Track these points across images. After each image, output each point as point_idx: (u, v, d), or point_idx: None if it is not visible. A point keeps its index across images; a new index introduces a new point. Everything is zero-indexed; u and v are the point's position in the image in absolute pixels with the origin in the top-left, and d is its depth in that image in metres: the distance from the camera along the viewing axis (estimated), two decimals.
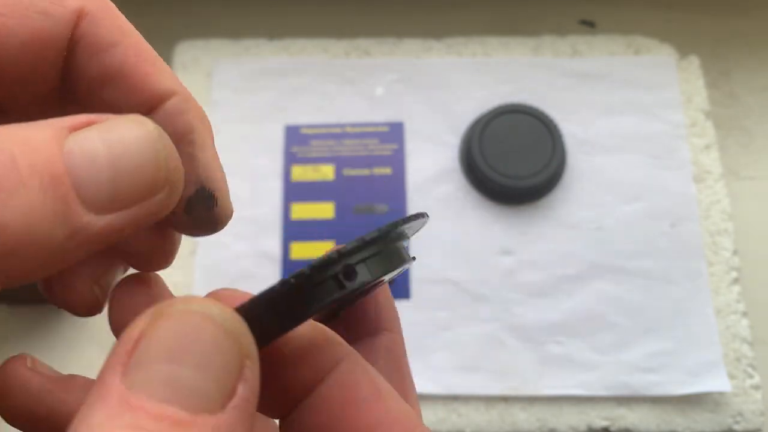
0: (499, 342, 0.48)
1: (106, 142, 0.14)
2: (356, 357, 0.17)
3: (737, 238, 0.50)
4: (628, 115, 0.54)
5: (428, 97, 0.55)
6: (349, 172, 0.53)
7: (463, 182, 0.52)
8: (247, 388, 0.13)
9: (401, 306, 0.46)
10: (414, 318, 0.48)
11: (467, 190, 0.52)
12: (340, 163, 0.53)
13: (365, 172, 0.53)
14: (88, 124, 0.14)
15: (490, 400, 0.47)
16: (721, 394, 0.46)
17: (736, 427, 0.46)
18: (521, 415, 0.46)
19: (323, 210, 0.51)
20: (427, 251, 0.50)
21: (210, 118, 0.18)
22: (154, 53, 0.17)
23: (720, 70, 0.59)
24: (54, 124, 0.13)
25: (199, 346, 0.13)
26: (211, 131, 0.18)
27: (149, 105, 0.17)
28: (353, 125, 0.54)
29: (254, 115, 0.54)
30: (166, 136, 0.15)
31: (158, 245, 0.18)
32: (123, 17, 0.17)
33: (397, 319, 0.20)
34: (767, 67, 0.59)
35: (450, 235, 0.50)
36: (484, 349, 0.48)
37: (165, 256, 0.19)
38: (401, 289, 0.49)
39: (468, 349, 0.48)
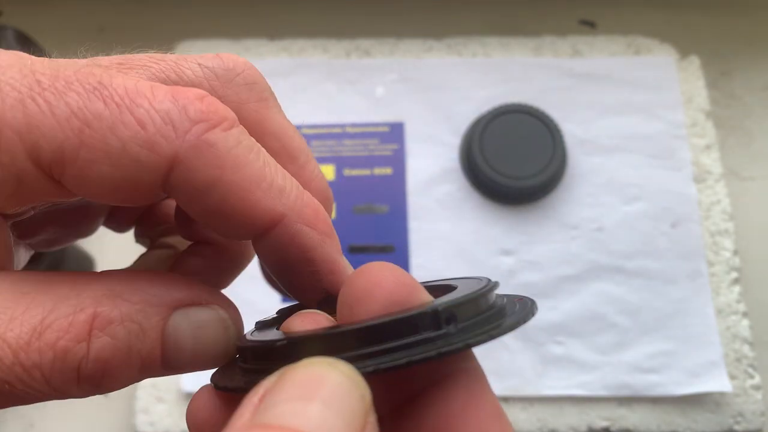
0: (500, 342, 0.48)
1: (192, 325, 0.17)
2: (479, 371, 0.17)
3: (738, 239, 0.50)
4: (629, 115, 0.54)
5: (428, 97, 0.55)
6: (349, 172, 0.53)
7: (464, 182, 0.52)
8: None
9: None
10: None
11: (467, 190, 0.52)
12: (340, 163, 0.53)
13: (366, 172, 0.53)
14: (191, 305, 0.17)
15: None
16: (721, 394, 0.46)
17: (736, 427, 0.46)
18: (521, 416, 0.46)
19: None
20: (427, 251, 0.50)
21: None
22: (257, 172, 0.17)
23: (720, 70, 0.59)
24: (163, 298, 0.17)
25: (327, 388, 0.13)
26: (326, 232, 0.18)
27: (257, 233, 0.17)
28: (353, 125, 0.54)
29: None
30: (232, 320, 0.18)
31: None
32: (223, 144, 0.16)
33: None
34: (767, 67, 0.59)
35: (450, 235, 0.50)
36: (484, 349, 0.48)
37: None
38: None
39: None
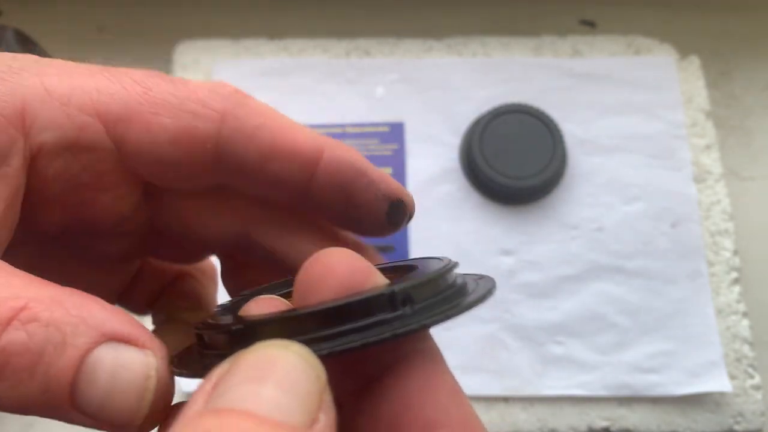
0: (500, 342, 0.48)
1: (115, 361, 0.16)
2: (436, 351, 0.17)
3: (738, 239, 0.50)
4: (629, 115, 0.54)
5: (428, 97, 0.55)
6: None
7: (464, 182, 0.52)
8: (329, 418, 0.13)
9: None
10: None
11: (467, 190, 0.52)
12: None
13: None
14: (125, 341, 0.16)
15: (490, 400, 0.47)
16: (721, 394, 0.46)
17: (736, 427, 0.46)
18: (521, 416, 0.46)
19: None
20: (427, 251, 0.50)
21: None
22: (290, 121, 0.20)
23: (720, 70, 0.59)
24: (102, 324, 0.16)
25: (280, 369, 0.13)
26: (358, 153, 0.21)
27: (308, 167, 0.20)
28: (353, 125, 0.54)
29: None
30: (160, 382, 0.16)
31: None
32: (258, 104, 0.20)
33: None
34: (767, 67, 0.59)
35: (450, 235, 0.50)
36: (484, 349, 0.48)
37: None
38: None
39: (468, 350, 0.48)
